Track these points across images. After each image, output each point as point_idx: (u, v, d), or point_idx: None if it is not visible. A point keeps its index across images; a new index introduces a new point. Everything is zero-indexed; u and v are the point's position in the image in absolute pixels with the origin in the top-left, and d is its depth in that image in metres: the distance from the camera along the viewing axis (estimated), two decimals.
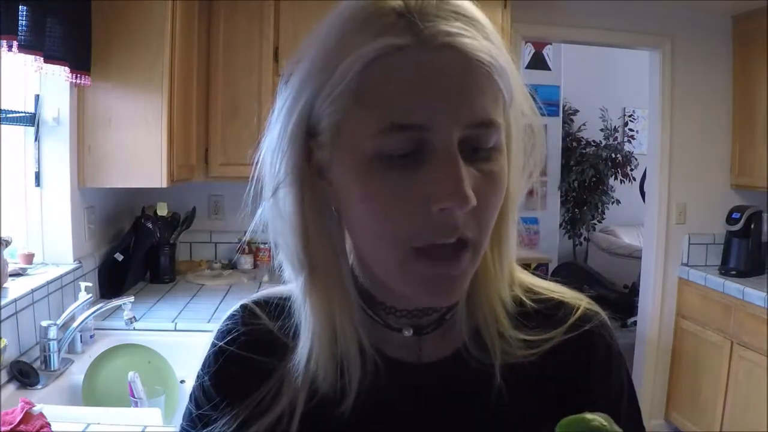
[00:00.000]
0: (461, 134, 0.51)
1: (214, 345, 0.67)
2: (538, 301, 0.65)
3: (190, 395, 0.67)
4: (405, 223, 0.52)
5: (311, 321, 0.61)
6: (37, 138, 2.19)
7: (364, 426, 0.61)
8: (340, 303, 0.60)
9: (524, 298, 0.65)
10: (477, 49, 0.51)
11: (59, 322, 1.91)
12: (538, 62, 5.95)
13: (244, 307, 0.68)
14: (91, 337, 2.10)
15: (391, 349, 0.63)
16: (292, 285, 0.63)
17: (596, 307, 0.67)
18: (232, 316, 0.68)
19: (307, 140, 0.56)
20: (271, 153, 0.58)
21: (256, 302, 0.69)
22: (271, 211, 0.59)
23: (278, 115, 0.57)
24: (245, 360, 0.64)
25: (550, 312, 0.65)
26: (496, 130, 0.53)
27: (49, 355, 1.85)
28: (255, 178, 0.60)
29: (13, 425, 1.32)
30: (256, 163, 0.60)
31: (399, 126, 0.50)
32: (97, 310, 2.02)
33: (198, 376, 0.67)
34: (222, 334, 0.67)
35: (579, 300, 0.66)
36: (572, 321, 0.64)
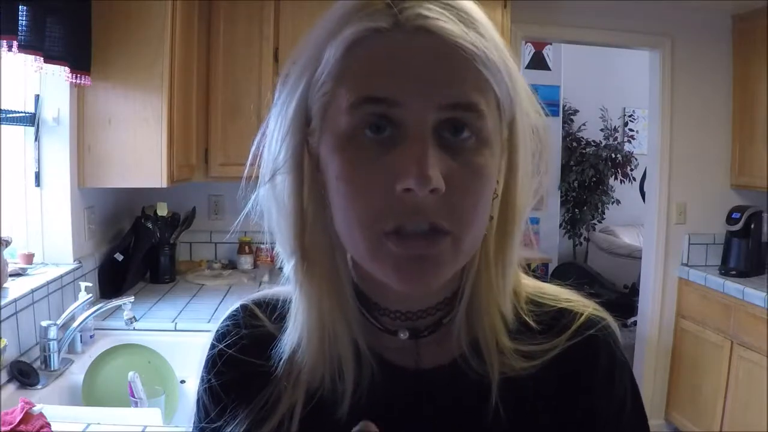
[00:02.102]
0: (437, 116, 0.51)
1: (214, 347, 0.66)
2: (542, 314, 0.63)
3: (197, 401, 0.66)
4: (373, 203, 0.52)
5: (300, 312, 0.60)
6: (37, 138, 2.19)
7: None
8: (332, 297, 0.59)
9: (527, 312, 0.63)
10: (454, 34, 0.51)
11: (59, 322, 1.91)
12: (538, 62, 5.95)
13: (244, 307, 0.67)
14: (91, 337, 2.10)
15: (388, 353, 0.61)
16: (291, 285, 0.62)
17: (603, 313, 0.65)
18: (231, 317, 0.67)
19: (305, 130, 0.56)
20: (270, 138, 0.58)
21: (256, 302, 0.68)
22: (267, 197, 0.60)
23: (276, 103, 0.58)
24: (247, 363, 0.63)
25: (553, 322, 0.63)
26: (478, 116, 0.52)
27: (49, 355, 1.85)
28: (253, 166, 0.60)
29: (13, 425, 1.32)
30: (256, 150, 0.60)
31: (368, 98, 0.51)
32: (97, 310, 2.03)
33: (202, 380, 0.66)
34: (222, 336, 0.66)
35: (585, 306, 0.64)
36: (574, 328, 0.62)
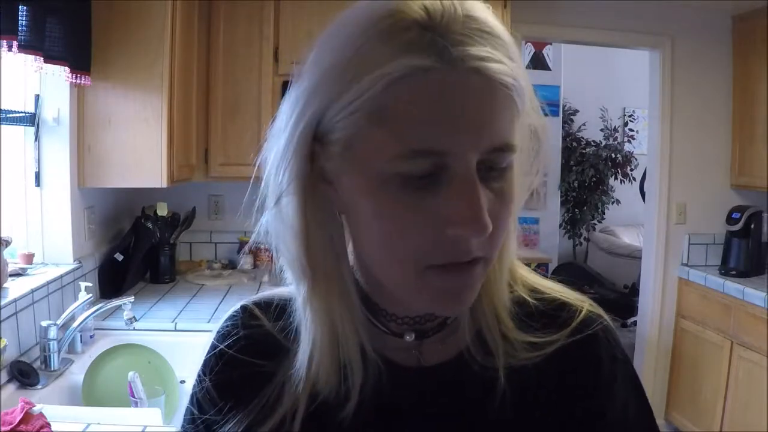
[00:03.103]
0: (479, 158, 0.50)
1: (214, 347, 0.66)
2: (542, 301, 0.64)
3: (191, 396, 0.67)
4: (418, 243, 0.51)
5: (312, 327, 0.60)
6: (37, 138, 2.19)
7: (367, 430, 0.61)
8: (341, 308, 0.59)
9: (528, 298, 0.64)
10: (502, 73, 0.50)
11: (59, 322, 1.91)
12: (538, 62, 5.95)
13: (244, 308, 0.68)
14: (91, 337, 2.10)
15: (391, 353, 0.62)
16: (293, 287, 0.62)
17: (599, 310, 0.66)
18: (231, 317, 0.68)
19: (312, 145, 0.54)
20: (277, 162, 0.56)
21: (257, 303, 0.68)
22: (274, 218, 0.59)
23: (286, 121, 0.55)
24: (246, 364, 0.64)
25: (554, 313, 0.64)
26: (511, 152, 0.52)
27: (49, 355, 1.85)
28: (255, 181, 0.59)
29: (13, 425, 1.32)
30: (258, 165, 0.59)
31: (420, 152, 0.49)
32: (97, 310, 2.03)
33: (199, 380, 0.66)
34: (222, 337, 0.66)
35: (582, 302, 0.65)
36: (575, 324, 0.63)
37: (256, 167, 0.59)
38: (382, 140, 0.50)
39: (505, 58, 0.50)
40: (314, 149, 0.54)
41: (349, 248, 0.61)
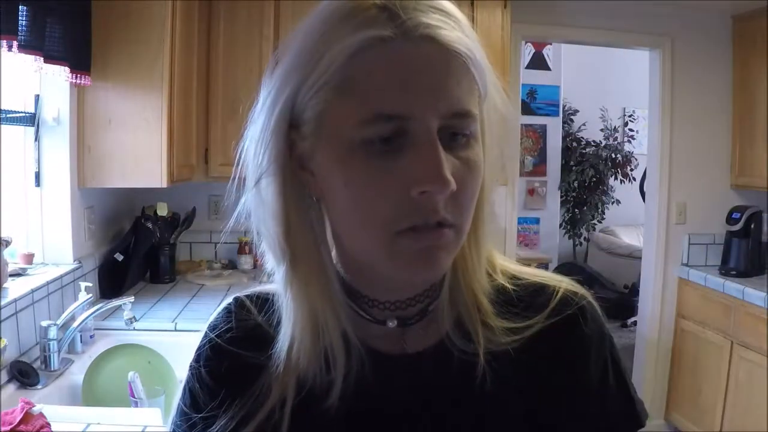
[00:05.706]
0: (440, 123, 0.53)
1: (207, 338, 0.67)
2: (521, 287, 0.65)
3: (184, 389, 0.68)
4: (386, 208, 0.54)
5: (292, 310, 0.61)
6: (37, 138, 2.19)
7: (353, 418, 0.61)
8: (321, 292, 0.61)
9: (507, 285, 0.65)
10: (455, 41, 0.54)
11: (59, 322, 1.91)
12: (538, 62, 5.96)
13: (236, 299, 0.69)
14: (91, 337, 2.10)
15: (374, 341, 0.63)
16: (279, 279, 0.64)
17: (577, 288, 0.66)
18: (225, 309, 0.69)
19: (289, 132, 0.57)
20: (255, 144, 0.59)
21: (249, 296, 0.69)
22: (254, 200, 0.61)
23: (262, 107, 0.59)
24: (238, 355, 0.64)
25: (532, 297, 0.65)
26: (472, 120, 0.55)
27: (49, 355, 1.85)
28: (239, 168, 0.61)
29: (13, 425, 1.32)
30: (240, 154, 0.61)
31: (382, 116, 0.52)
32: (97, 310, 2.03)
33: (192, 368, 0.67)
34: (215, 328, 0.67)
35: (559, 282, 0.66)
36: (553, 305, 0.63)
37: (239, 156, 0.61)
38: (348, 109, 0.53)
39: (457, 29, 0.54)
40: (291, 136, 0.57)
41: (330, 240, 0.63)
